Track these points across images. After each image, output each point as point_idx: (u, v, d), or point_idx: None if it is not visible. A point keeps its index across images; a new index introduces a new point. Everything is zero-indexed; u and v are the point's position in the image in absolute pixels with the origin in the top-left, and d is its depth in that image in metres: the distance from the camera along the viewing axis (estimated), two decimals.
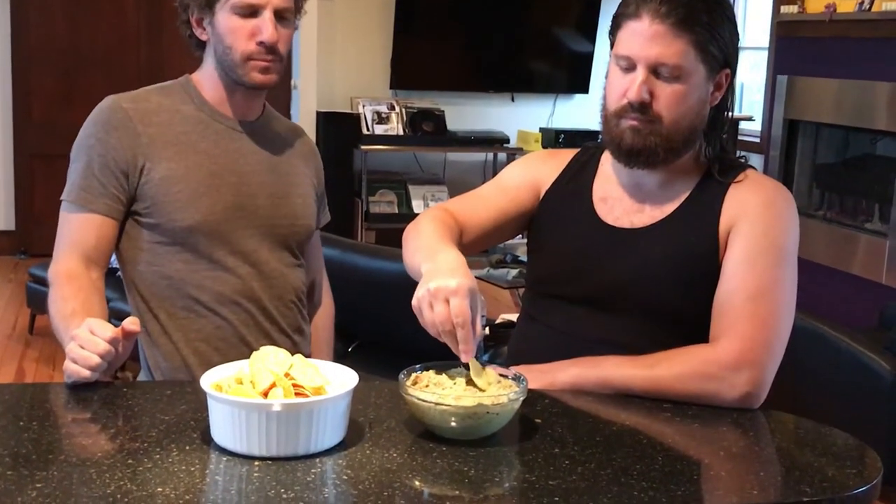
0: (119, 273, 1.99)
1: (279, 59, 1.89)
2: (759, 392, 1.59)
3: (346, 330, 2.89)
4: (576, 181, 1.84)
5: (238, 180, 1.92)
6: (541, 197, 1.85)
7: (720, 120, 1.74)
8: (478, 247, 1.83)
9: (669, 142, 1.67)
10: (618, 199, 1.78)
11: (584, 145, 1.90)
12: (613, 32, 1.70)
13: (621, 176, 1.79)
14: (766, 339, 1.60)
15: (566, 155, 1.89)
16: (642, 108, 1.65)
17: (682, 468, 1.37)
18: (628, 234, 1.74)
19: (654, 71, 1.64)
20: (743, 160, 1.78)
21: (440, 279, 1.42)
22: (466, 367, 1.44)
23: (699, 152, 1.75)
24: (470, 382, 1.43)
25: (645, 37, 1.63)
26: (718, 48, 1.66)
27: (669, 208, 1.73)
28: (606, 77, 1.73)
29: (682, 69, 1.64)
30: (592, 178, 1.83)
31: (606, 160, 1.82)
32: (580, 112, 7.22)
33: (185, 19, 1.93)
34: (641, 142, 1.67)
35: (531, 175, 1.87)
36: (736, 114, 1.82)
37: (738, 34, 1.71)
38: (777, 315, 1.62)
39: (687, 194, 1.73)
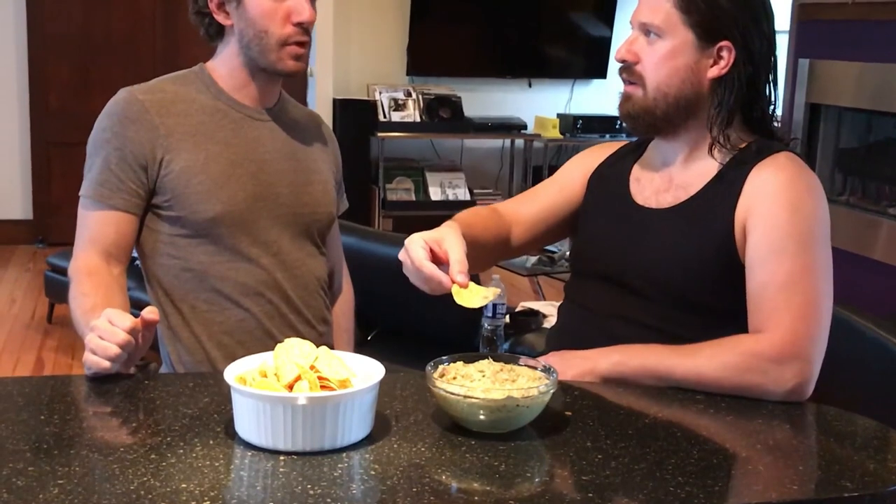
0: (137, 263, 1.96)
1: (309, 44, 1.87)
2: (807, 385, 1.55)
3: (365, 318, 2.87)
4: (618, 164, 1.85)
5: (258, 168, 1.89)
6: (586, 183, 1.86)
7: (726, 96, 1.67)
8: (532, 244, 1.88)
9: (654, 107, 1.68)
10: (649, 179, 1.77)
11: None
12: None
13: (655, 155, 1.79)
14: (808, 329, 1.56)
15: (620, 143, 1.91)
16: (628, 68, 1.70)
17: (718, 462, 1.33)
18: (651, 214, 1.73)
19: (647, 33, 1.68)
20: (789, 142, 1.72)
21: None
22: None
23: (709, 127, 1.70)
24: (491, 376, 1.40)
25: (641, 1, 1.70)
26: (711, 16, 1.64)
27: (694, 189, 1.71)
28: None
29: (663, 29, 1.66)
30: (636, 160, 1.83)
31: (655, 143, 1.81)
32: (598, 97, 7.17)
33: (198, 10, 1.88)
34: (630, 106, 1.71)
35: (584, 167, 1.88)
36: None
37: (752, 11, 1.65)
38: (815, 303, 1.58)
39: (713, 175, 1.70)
